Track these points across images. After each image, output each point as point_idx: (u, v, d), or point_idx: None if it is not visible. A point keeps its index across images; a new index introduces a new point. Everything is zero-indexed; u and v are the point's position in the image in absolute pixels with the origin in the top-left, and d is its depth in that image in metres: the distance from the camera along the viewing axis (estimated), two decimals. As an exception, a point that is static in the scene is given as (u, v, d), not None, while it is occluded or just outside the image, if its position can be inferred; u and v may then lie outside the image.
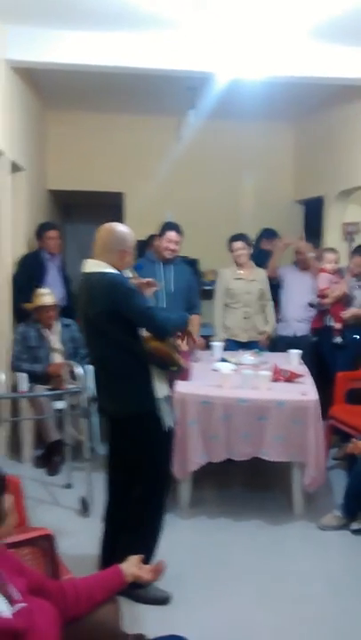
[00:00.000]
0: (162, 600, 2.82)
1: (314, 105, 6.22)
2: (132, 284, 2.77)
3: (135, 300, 2.64)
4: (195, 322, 4.40)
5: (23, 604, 1.57)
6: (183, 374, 3.89)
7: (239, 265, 4.92)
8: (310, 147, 6.84)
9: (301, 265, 5.27)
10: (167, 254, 4.38)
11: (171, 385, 3.03)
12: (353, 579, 3.12)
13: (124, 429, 2.80)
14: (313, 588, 3.02)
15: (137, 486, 2.83)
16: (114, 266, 2.70)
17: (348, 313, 4.76)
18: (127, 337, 2.67)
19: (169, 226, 4.42)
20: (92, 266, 2.72)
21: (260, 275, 5.01)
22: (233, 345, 4.86)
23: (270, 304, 5.07)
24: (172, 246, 4.37)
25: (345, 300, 4.82)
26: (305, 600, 2.92)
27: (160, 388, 2.75)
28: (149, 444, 2.77)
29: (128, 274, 2.84)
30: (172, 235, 4.38)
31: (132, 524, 2.82)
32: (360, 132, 5.50)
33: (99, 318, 2.65)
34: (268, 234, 5.97)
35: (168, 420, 2.77)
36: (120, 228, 2.79)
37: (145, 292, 2.91)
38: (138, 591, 2.71)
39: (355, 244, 5.64)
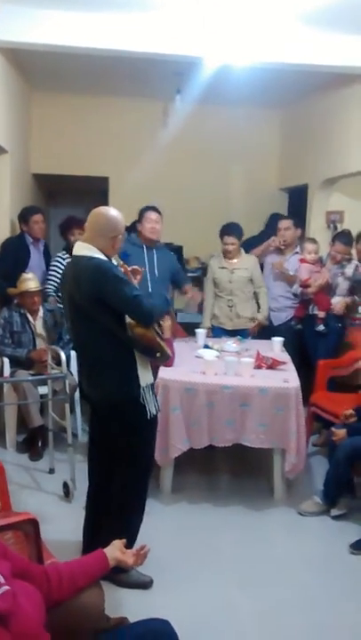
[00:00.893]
0: (144, 584, 2.85)
1: (300, 92, 6.21)
2: (120, 271, 2.74)
3: (121, 288, 2.60)
4: (188, 289, 4.68)
5: (7, 587, 1.57)
6: (167, 361, 3.91)
7: (226, 256, 4.93)
8: (296, 134, 6.84)
9: (281, 252, 5.27)
10: (151, 235, 4.39)
11: (155, 372, 3.01)
12: (332, 564, 3.17)
13: (108, 416, 2.80)
14: (293, 573, 3.07)
15: (119, 472, 2.84)
16: (103, 251, 2.68)
17: (338, 305, 4.78)
18: (112, 323, 2.65)
19: (146, 208, 4.46)
20: (81, 249, 2.69)
21: (250, 261, 5.00)
22: (219, 331, 4.90)
23: (263, 290, 5.06)
24: (154, 225, 4.39)
25: (327, 289, 4.85)
26: (285, 584, 2.97)
27: (144, 376, 2.74)
28: (132, 432, 2.77)
29: (114, 261, 2.83)
30: (151, 214, 4.41)
31: (113, 510, 2.84)
32: (346, 121, 5.50)
33: (84, 303, 2.63)
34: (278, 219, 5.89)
35: (151, 408, 2.77)
36: (113, 213, 2.76)
37: (132, 279, 2.89)
38: (120, 575, 2.75)
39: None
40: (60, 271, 4.89)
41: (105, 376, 2.73)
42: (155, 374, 3.25)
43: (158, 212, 4.44)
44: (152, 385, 2.82)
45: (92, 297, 2.60)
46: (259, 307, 5.06)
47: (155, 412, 2.80)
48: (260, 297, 5.05)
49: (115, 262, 2.81)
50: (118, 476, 2.84)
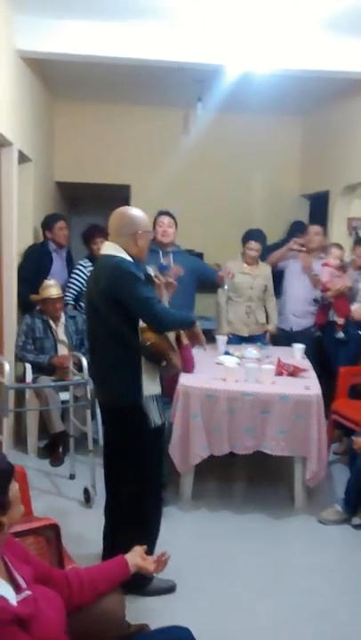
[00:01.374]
0: (168, 589, 2.87)
1: (322, 99, 6.19)
2: (140, 272, 2.70)
3: (137, 287, 2.57)
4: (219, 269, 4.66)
5: (29, 592, 1.59)
6: (187, 367, 3.92)
7: (247, 262, 4.94)
8: (317, 141, 6.82)
9: (307, 249, 5.26)
10: (163, 239, 4.43)
11: (166, 384, 2.92)
12: (353, 573, 3.15)
13: (112, 420, 2.80)
14: (313, 581, 3.05)
15: (124, 481, 2.81)
16: (127, 249, 2.69)
17: (357, 311, 4.75)
18: (124, 326, 2.62)
19: (159, 213, 4.53)
20: (107, 248, 2.72)
21: (265, 270, 5.04)
22: (235, 339, 4.90)
23: (273, 300, 5.11)
24: (166, 229, 4.43)
25: (348, 295, 4.81)
26: (304, 592, 2.95)
27: (149, 385, 2.68)
28: (133, 440, 2.72)
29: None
30: (163, 219, 4.47)
31: (129, 521, 2.82)
32: (367, 127, 5.48)
33: (100, 301, 2.63)
34: (301, 227, 5.86)
35: (155, 418, 2.70)
36: (131, 211, 2.77)
37: (163, 292, 2.88)
38: (146, 588, 2.79)
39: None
40: (81, 279, 4.93)
41: (110, 380, 2.72)
42: (165, 386, 3.22)
43: (171, 216, 4.49)
44: (158, 396, 2.74)
45: (107, 295, 2.59)
46: (267, 315, 5.10)
47: (159, 423, 2.72)
48: (269, 306, 5.09)
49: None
50: (125, 485, 2.82)
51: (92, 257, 5.05)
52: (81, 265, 5.09)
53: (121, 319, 2.62)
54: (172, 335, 2.82)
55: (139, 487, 2.79)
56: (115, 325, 2.63)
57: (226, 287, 4.70)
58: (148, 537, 2.72)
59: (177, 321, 2.78)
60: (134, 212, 2.77)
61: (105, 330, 2.68)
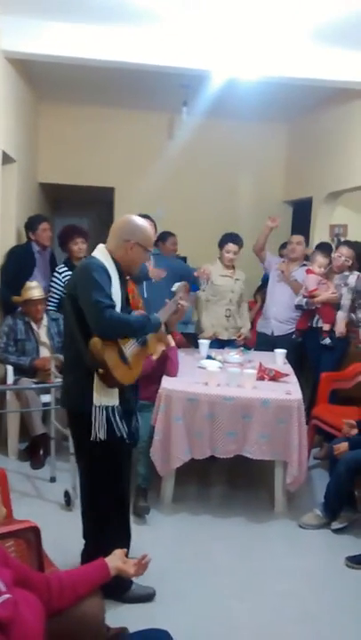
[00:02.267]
0: (147, 596, 2.84)
1: (307, 106, 6.25)
2: (106, 276, 2.54)
3: (91, 289, 2.45)
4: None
5: (8, 596, 1.58)
6: (172, 370, 3.92)
7: (226, 265, 4.96)
8: (301, 148, 6.88)
9: (289, 259, 5.31)
10: None
11: (126, 398, 2.67)
12: (332, 576, 3.17)
13: (69, 422, 2.79)
14: (292, 585, 3.06)
15: (83, 490, 2.77)
16: (113, 253, 2.62)
17: (340, 323, 4.77)
18: (78, 327, 2.53)
19: (144, 218, 4.48)
20: (96, 250, 2.68)
21: (243, 276, 5.06)
22: (215, 343, 4.89)
23: (245, 305, 5.15)
24: None
25: (335, 305, 4.83)
26: (284, 596, 2.96)
27: (100, 395, 2.53)
28: (82, 448, 2.67)
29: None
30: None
31: (87, 530, 2.80)
32: (350, 135, 5.54)
33: (66, 300, 2.62)
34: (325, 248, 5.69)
35: (99, 432, 2.52)
36: (136, 220, 2.68)
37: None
38: (125, 594, 2.76)
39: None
40: (60, 286, 4.88)
41: (65, 381, 2.70)
42: (148, 389, 3.17)
43: (150, 220, 4.47)
44: (114, 408, 2.56)
45: (70, 293, 2.58)
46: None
47: (102, 438, 2.52)
48: (241, 309, 5.08)
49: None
50: (82, 492, 2.79)
51: (70, 261, 5.01)
52: (57, 272, 5.02)
53: (76, 320, 2.54)
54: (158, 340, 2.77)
55: (92, 497, 2.73)
56: (77, 327, 2.54)
57: (202, 287, 4.70)
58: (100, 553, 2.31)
59: (130, 329, 2.58)
60: (139, 222, 2.68)
61: (67, 330, 2.65)
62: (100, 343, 2.44)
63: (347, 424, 3.71)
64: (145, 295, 3.93)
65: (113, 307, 2.47)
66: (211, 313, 4.98)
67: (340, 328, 4.75)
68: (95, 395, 2.53)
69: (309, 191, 6.47)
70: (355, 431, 3.65)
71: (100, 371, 2.47)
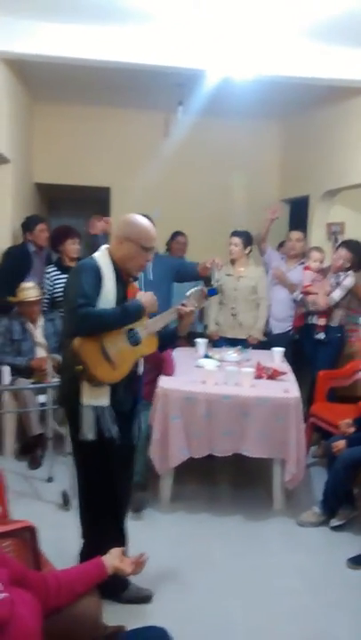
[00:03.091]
0: (143, 598, 2.81)
1: (302, 104, 6.24)
2: (94, 276, 2.53)
3: (75, 286, 2.49)
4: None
5: (5, 595, 1.57)
6: (167, 370, 3.91)
7: (232, 260, 4.95)
8: (297, 146, 6.88)
9: (288, 256, 5.31)
10: None
11: (119, 399, 2.64)
12: (331, 574, 3.16)
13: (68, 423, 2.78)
14: (291, 583, 3.06)
15: (79, 487, 2.78)
16: (112, 252, 2.63)
17: (321, 299, 4.78)
18: (66, 323, 2.59)
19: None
20: (99, 250, 2.70)
21: (256, 272, 5.02)
22: (222, 342, 4.89)
23: (264, 303, 5.04)
24: None
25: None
26: (282, 594, 2.96)
27: (87, 394, 2.53)
28: (75, 446, 2.69)
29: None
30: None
31: (82, 529, 2.80)
32: (346, 133, 5.54)
33: (64, 299, 2.66)
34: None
35: (87, 432, 2.52)
36: (135, 218, 2.66)
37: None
38: (122, 594, 2.75)
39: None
40: (48, 286, 4.88)
41: (64, 379, 2.71)
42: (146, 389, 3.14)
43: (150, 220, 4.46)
44: (104, 409, 2.54)
45: (65, 293, 2.65)
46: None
47: (89, 438, 2.52)
48: (259, 308, 5.04)
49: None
50: (78, 492, 2.80)
51: (60, 262, 5.00)
52: (46, 272, 5.03)
53: (66, 317, 2.60)
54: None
55: (86, 497, 2.73)
56: (67, 325, 2.59)
57: (216, 279, 4.54)
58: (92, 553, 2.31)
59: (105, 322, 2.51)
60: (138, 219, 2.65)
61: (64, 329, 2.68)
62: (78, 340, 2.45)
63: (343, 424, 3.70)
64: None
65: (89, 305, 2.45)
66: (217, 312, 4.99)
67: (321, 302, 4.73)
68: (85, 394, 2.52)
69: (306, 189, 6.46)
70: (352, 429, 3.66)
71: (79, 368, 2.46)
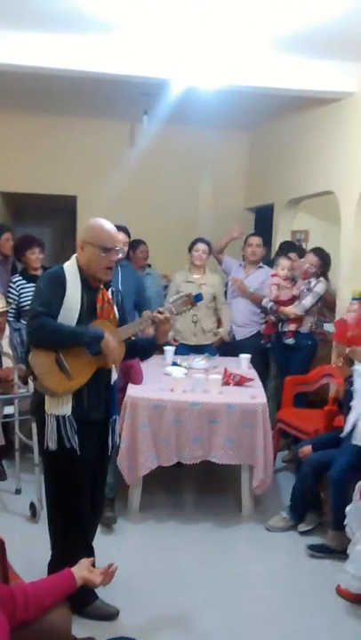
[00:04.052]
0: (110, 615, 2.74)
1: (267, 114, 6.33)
2: (56, 285, 2.53)
3: (36, 295, 2.54)
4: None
5: (-28, 610, 1.56)
6: (136, 378, 3.90)
7: (196, 267, 4.98)
8: (262, 155, 6.97)
9: (248, 262, 5.37)
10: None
11: (84, 408, 2.60)
12: (299, 579, 3.19)
13: None
14: (260, 589, 3.08)
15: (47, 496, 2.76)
16: (79, 261, 2.62)
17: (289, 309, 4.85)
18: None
19: (117, 228, 4.44)
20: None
21: (214, 280, 5.08)
22: (183, 348, 4.90)
23: (226, 307, 5.15)
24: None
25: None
26: (252, 600, 2.97)
27: (52, 403, 2.52)
28: (43, 456, 2.70)
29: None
30: (120, 236, 4.40)
31: (50, 537, 2.78)
32: (310, 143, 5.63)
33: None
34: (289, 248, 5.55)
35: (50, 441, 2.51)
36: (92, 221, 2.65)
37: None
38: (86, 608, 2.70)
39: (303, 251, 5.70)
40: (14, 296, 4.80)
41: (34, 387, 2.67)
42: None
43: (126, 233, 4.46)
44: (66, 418, 2.52)
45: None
46: (219, 322, 5.14)
47: (52, 449, 2.51)
48: (222, 314, 5.12)
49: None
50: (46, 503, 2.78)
51: (25, 272, 4.93)
52: (11, 282, 4.90)
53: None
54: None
55: (53, 507, 2.71)
56: None
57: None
58: (60, 564, 2.31)
59: (59, 338, 2.48)
60: (96, 222, 2.64)
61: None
62: (32, 351, 2.47)
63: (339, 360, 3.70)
64: None
65: (47, 315, 2.45)
66: (179, 319, 4.99)
67: (292, 311, 4.81)
68: (47, 403, 2.52)
69: (271, 198, 6.55)
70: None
71: (30, 377, 2.46)
